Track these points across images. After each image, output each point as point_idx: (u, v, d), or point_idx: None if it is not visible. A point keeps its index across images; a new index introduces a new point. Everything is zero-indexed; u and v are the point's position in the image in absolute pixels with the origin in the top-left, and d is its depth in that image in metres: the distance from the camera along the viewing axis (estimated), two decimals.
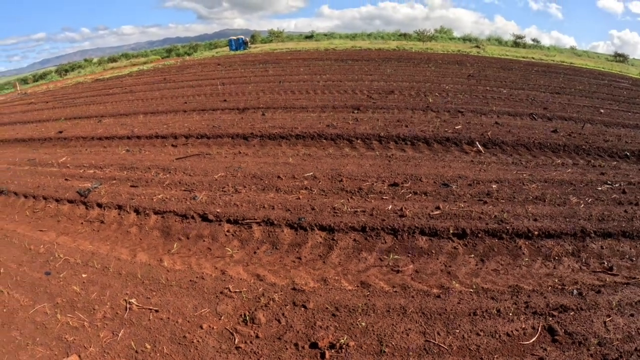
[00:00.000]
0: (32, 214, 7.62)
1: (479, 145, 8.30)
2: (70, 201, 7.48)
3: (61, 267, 5.44)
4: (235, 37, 49.37)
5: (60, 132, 13.82)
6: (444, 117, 10.34)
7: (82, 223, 6.84)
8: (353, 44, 37.46)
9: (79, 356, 3.86)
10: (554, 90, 15.11)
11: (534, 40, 49.07)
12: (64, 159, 10.39)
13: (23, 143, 14.29)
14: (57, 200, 7.65)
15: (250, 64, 26.90)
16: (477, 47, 35.31)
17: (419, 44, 38.26)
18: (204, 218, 6.12)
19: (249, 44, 48.48)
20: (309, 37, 56.88)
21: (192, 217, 6.19)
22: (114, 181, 7.94)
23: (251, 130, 10.10)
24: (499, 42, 48.92)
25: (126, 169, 8.54)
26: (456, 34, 52.23)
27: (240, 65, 26.91)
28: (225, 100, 14.84)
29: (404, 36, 49.23)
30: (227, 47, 51.18)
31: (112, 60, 63.28)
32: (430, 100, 11.87)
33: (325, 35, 57.39)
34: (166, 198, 6.80)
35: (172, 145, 10.21)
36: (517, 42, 47.09)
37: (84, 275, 5.13)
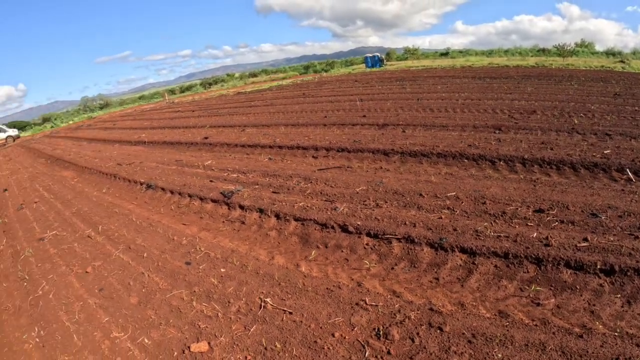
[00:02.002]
0: (176, 209, 8.49)
1: (630, 173, 7.43)
2: (213, 201, 8.22)
3: (201, 260, 5.97)
4: (371, 55, 50.87)
5: (206, 137, 15.32)
6: (591, 140, 9.45)
7: (223, 222, 7.46)
8: (490, 61, 35.97)
9: (209, 343, 4.18)
10: None
11: None
12: (209, 162, 11.51)
13: (171, 145, 16.06)
14: (201, 199, 8.46)
15: (387, 81, 27.39)
16: (622, 61, 31.50)
17: (559, 59, 35.31)
18: (344, 229, 6.25)
19: (385, 61, 49.62)
20: (444, 54, 56.78)
21: (332, 227, 6.35)
22: (257, 186, 8.55)
23: (392, 147, 10.17)
24: None
25: (268, 176, 9.14)
26: (598, 47, 47.45)
27: (377, 82, 27.55)
28: (364, 116, 15.17)
29: (543, 51, 46.25)
30: (363, 64, 53.12)
31: (253, 75, 68.90)
32: (575, 122, 10.95)
33: (461, 52, 56.64)
34: (307, 206, 7.09)
35: (313, 157, 10.67)
36: None
37: (222, 270, 5.56)
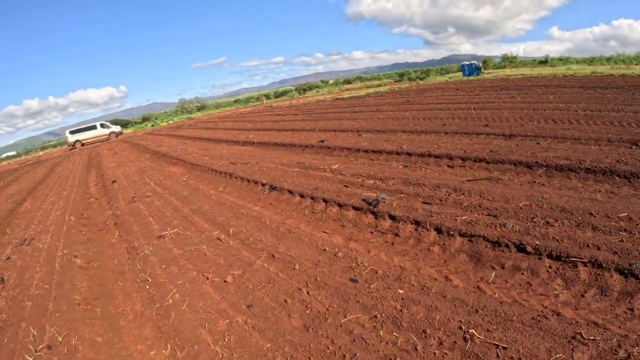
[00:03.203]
0: (310, 214, 8.01)
1: None
2: (355, 208, 7.61)
3: (369, 277, 5.30)
4: (467, 63, 50.70)
5: (322, 141, 15.00)
6: None
7: (371, 232, 6.82)
8: (592, 69, 33.64)
9: None
10: None
11: None
12: (335, 166, 11.02)
13: (283, 147, 15.89)
14: (339, 205, 7.89)
15: (490, 90, 26.40)
16: None
17: None
18: (520, 249, 5.46)
19: (482, 69, 49.24)
20: (543, 62, 55.23)
21: (507, 246, 5.56)
22: (402, 195, 7.85)
23: (534, 159, 9.23)
24: None
25: (411, 184, 8.42)
26: None
27: (480, 91, 26.59)
28: (487, 125, 14.22)
29: None
30: (459, 72, 53.39)
31: (347, 82, 70.03)
32: None
33: (560, 60, 54.75)
34: (471, 220, 6.31)
35: (448, 166, 9.89)
36: None
37: (400, 291, 4.86)
